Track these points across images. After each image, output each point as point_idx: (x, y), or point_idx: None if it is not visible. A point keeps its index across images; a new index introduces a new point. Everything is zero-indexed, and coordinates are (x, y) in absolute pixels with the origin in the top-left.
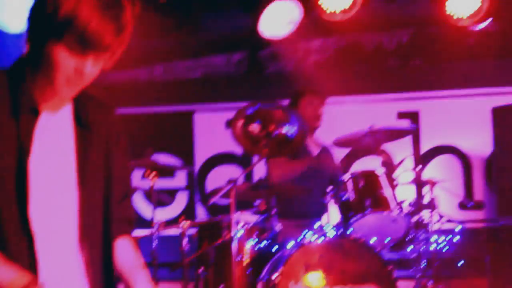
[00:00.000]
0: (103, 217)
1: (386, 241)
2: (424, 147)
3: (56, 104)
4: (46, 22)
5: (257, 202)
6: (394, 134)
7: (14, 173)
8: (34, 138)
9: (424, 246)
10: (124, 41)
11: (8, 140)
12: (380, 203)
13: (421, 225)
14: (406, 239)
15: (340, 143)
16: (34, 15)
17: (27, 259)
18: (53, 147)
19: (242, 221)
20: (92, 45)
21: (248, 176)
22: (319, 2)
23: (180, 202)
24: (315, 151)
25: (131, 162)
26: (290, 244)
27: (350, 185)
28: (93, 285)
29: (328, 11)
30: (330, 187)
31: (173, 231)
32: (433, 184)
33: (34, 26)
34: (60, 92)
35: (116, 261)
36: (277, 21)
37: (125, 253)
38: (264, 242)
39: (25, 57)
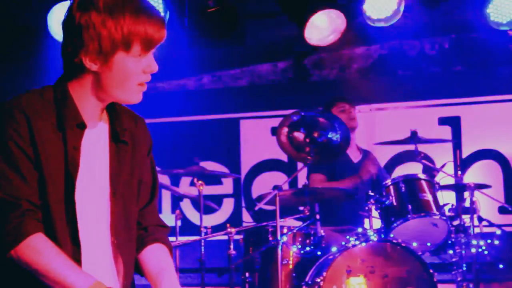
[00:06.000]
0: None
1: (427, 245)
2: (465, 152)
3: (96, 119)
4: (110, 41)
5: (301, 208)
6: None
7: (63, 188)
8: (81, 152)
9: (465, 250)
10: None
11: (56, 155)
12: (422, 208)
13: (461, 229)
14: (447, 243)
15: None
16: (77, 33)
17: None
18: (93, 160)
19: (286, 226)
20: (154, 44)
21: (293, 183)
22: (363, 10)
23: (227, 208)
24: (356, 157)
25: (180, 170)
26: (333, 249)
27: (392, 190)
28: (125, 286)
29: (371, 19)
30: (372, 193)
31: (220, 237)
32: (473, 188)
33: (93, 43)
34: (132, 98)
35: (145, 266)
36: (322, 30)
37: (155, 258)
38: (308, 247)
39: (68, 71)
